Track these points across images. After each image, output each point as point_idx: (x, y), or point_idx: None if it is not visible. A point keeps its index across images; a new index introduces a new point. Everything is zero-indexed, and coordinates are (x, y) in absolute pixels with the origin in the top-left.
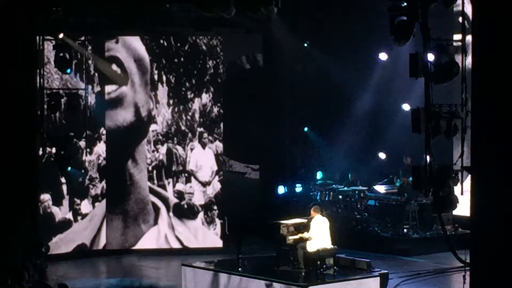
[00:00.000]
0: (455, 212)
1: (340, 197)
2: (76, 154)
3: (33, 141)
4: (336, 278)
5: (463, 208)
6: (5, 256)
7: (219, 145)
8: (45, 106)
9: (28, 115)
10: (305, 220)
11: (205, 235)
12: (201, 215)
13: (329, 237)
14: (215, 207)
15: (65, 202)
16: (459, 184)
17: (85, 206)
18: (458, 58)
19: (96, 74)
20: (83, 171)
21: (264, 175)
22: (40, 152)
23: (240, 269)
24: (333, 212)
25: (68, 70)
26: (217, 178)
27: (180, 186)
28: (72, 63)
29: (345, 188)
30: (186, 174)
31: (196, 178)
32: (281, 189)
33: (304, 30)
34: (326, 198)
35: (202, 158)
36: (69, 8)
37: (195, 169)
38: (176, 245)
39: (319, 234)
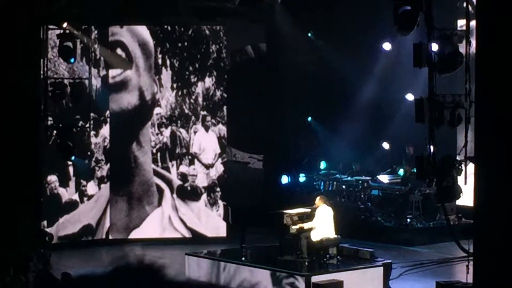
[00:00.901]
0: (459, 202)
1: (344, 187)
2: (80, 142)
3: (37, 130)
4: (339, 268)
5: (466, 198)
6: (9, 246)
7: (222, 128)
8: (50, 95)
9: (31, 104)
10: (308, 210)
11: (208, 216)
12: (204, 196)
13: (332, 227)
14: (218, 189)
15: (72, 183)
16: (462, 174)
17: (91, 187)
18: (463, 47)
19: (102, 58)
20: (86, 161)
21: (267, 165)
22: (46, 137)
23: (243, 258)
24: (337, 202)
25: (72, 60)
26: (220, 160)
27: (183, 168)
28: (76, 52)
29: (349, 178)
30: (190, 157)
31: (199, 161)
32: (284, 179)
33: (308, 20)
34: (330, 188)
35: (205, 141)
36: None
37: (198, 151)
38: (179, 226)
39: (323, 224)
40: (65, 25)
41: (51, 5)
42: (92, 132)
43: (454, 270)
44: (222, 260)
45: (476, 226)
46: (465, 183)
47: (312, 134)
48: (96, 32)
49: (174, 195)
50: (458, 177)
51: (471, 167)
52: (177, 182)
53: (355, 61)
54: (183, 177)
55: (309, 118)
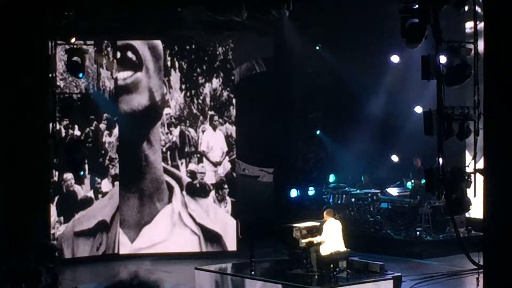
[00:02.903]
0: (468, 214)
1: (353, 200)
2: (92, 147)
3: (46, 147)
4: (349, 281)
5: (476, 211)
6: (18, 260)
7: (229, 127)
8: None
9: (40, 119)
10: (317, 223)
11: (216, 212)
12: (212, 193)
13: (342, 240)
14: (226, 186)
15: (87, 181)
16: (472, 186)
17: (105, 185)
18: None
19: (115, 61)
20: (97, 178)
21: (276, 178)
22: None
23: (253, 272)
24: (346, 215)
25: (81, 75)
26: (227, 158)
27: (192, 166)
28: (85, 67)
29: (358, 191)
30: (198, 155)
31: (207, 159)
32: (293, 192)
33: (316, 33)
34: (339, 201)
35: (213, 140)
36: (81, 12)
37: (206, 150)
38: (189, 222)
39: (332, 237)
40: (73, 40)
41: (60, 20)
42: (106, 132)
43: (464, 282)
44: (231, 274)
45: (485, 238)
46: (475, 196)
47: (321, 147)
48: (106, 41)
49: (184, 192)
50: (467, 190)
51: (480, 179)
52: (186, 179)
53: (364, 73)
54: (192, 174)
55: (318, 131)
